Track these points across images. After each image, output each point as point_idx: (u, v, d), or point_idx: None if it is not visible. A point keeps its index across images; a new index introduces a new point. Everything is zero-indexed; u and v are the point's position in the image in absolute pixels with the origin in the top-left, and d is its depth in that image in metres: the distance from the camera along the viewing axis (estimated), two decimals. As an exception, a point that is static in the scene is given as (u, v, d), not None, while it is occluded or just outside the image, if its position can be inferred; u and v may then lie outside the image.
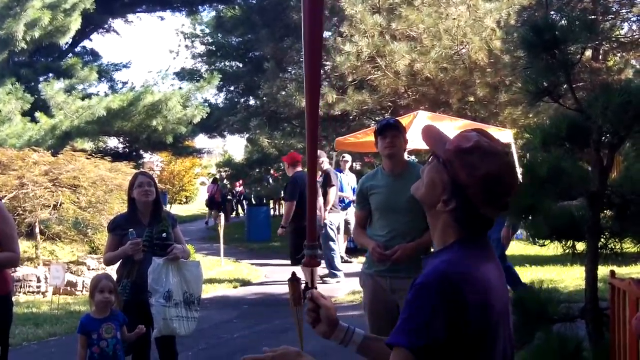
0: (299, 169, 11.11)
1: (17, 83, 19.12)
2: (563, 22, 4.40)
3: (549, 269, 12.26)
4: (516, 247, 15.54)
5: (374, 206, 5.50)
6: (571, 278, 11.03)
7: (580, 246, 4.29)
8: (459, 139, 2.16)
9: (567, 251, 4.27)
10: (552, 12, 17.87)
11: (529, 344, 4.03)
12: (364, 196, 5.58)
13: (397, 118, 6.89)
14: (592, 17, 16.73)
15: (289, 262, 11.83)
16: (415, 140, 13.64)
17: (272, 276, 13.93)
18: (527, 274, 11.97)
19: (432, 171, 2.18)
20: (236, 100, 27.81)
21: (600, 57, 18.87)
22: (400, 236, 5.18)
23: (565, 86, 4.33)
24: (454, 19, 17.82)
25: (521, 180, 4.48)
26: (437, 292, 1.95)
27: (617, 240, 4.24)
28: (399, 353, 1.96)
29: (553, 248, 4.37)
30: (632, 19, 21.30)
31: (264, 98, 22.57)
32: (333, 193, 12.99)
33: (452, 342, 1.94)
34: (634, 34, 21.39)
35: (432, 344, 1.91)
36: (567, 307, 4.15)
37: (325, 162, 13.40)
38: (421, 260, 4.95)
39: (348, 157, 15.52)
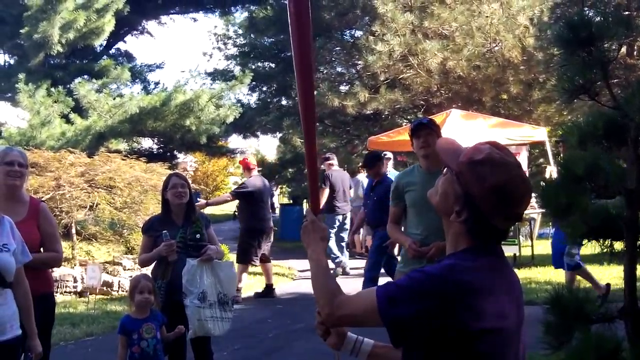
0: (255, 173, 11.69)
1: (58, 87, 19.34)
2: (598, 18, 4.35)
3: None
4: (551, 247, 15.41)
5: (409, 203, 5.57)
6: (608, 278, 10.89)
7: (618, 245, 4.24)
8: (472, 151, 2.26)
9: (604, 250, 4.21)
10: (585, 9, 17.69)
11: (566, 344, 3.99)
12: (400, 193, 5.66)
13: (430, 117, 6.97)
14: (627, 12, 16.53)
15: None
16: (448, 138, 13.60)
17: (306, 275, 13.93)
18: (563, 273, 11.86)
19: (446, 183, 2.33)
20: (269, 100, 27.86)
21: (635, 53, 18.62)
22: (434, 234, 5.17)
23: (600, 83, 4.28)
24: (487, 16, 17.73)
25: (557, 178, 4.45)
26: (430, 290, 2.11)
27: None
28: (372, 303, 2.17)
29: (590, 247, 4.32)
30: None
31: (296, 98, 22.56)
32: (322, 195, 13.23)
33: (431, 337, 2.12)
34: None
35: (395, 319, 2.12)
36: (606, 306, 4.10)
37: (335, 165, 14.00)
38: None
39: (390, 155, 14.69)
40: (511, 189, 2.17)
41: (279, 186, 30.90)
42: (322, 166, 14.04)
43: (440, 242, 5.06)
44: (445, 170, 2.35)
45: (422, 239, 5.33)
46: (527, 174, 17.22)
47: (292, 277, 14.06)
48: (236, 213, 29.40)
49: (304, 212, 13.22)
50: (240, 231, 11.67)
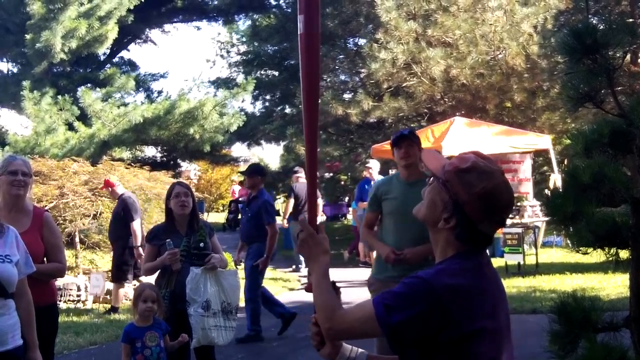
0: (121, 190, 11.23)
1: (63, 95, 19.40)
2: (603, 26, 4.34)
3: (590, 276, 12.08)
4: (555, 255, 15.38)
5: (386, 211, 5.73)
6: (613, 286, 10.86)
7: (624, 253, 4.22)
8: (458, 160, 2.36)
9: (610, 259, 4.20)
10: (589, 16, 17.69)
11: (572, 354, 3.97)
12: (377, 200, 5.80)
13: (412, 128, 7.10)
14: (631, 20, 16.52)
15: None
16: (452, 147, 13.62)
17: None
18: (567, 282, 11.84)
19: (433, 192, 2.39)
20: (272, 108, 27.90)
21: (639, 60, 18.60)
22: (410, 243, 5.39)
23: (604, 91, 4.27)
24: (491, 24, 17.73)
25: (561, 187, 4.44)
26: (424, 295, 2.18)
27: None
28: (370, 313, 2.23)
29: (595, 255, 4.31)
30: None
31: (300, 106, 22.59)
32: (288, 205, 15.37)
33: (428, 340, 2.19)
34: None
35: (394, 326, 2.18)
36: (611, 315, 4.08)
37: (302, 178, 15.09)
38: (428, 266, 5.37)
39: (372, 164, 14.87)
40: (497, 195, 2.28)
41: (283, 195, 30.84)
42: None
43: (414, 248, 5.31)
44: (431, 179, 2.42)
45: (397, 248, 5.48)
46: (531, 182, 17.14)
47: (296, 286, 14.00)
48: (225, 224, 29.08)
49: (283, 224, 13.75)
50: (116, 250, 11.11)
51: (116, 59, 25.86)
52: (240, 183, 31.51)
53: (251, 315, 9.13)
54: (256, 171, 9.34)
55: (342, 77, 23.93)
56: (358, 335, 2.44)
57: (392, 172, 14.67)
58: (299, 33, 2.61)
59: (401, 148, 5.54)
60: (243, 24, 31.51)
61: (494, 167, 2.33)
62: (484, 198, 2.25)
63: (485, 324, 2.21)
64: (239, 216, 29.29)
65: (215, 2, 27.86)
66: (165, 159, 24.76)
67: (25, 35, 18.77)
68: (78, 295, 12.11)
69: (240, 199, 29.73)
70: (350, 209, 19.06)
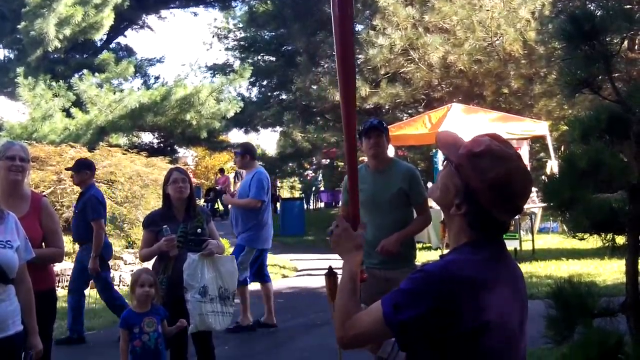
0: None
1: (59, 81, 19.35)
2: (601, 12, 4.34)
3: (586, 262, 12.12)
4: (552, 241, 15.41)
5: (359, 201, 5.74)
6: (609, 272, 10.90)
7: (620, 239, 4.23)
8: (471, 143, 2.23)
9: (606, 245, 4.20)
10: (587, 2, 17.64)
11: (569, 339, 3.98)
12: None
13: (380, 119, 7.03)
14: (628, 6, 16.49)
15: (323, 255, 12.02)
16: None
17: (307, 270, 13.92)
18: (564, 268, 11.87)
19: (446, 176, 2.26)
20: (269, 94, 27.87)
21: (637, 47, 18.57)
22: (386, 229, 5.51)
23: (601, 77, 4.27)
24: (488, 10, 17.70)
25: (557, 173, 4.45)
26: (432, 290, 2.09)
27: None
28: (379, 314, 2.15)
29: (592, 241, 4.31)
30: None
31: (297, 92, 22.62)
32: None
33: (437, 335, 2.09)
34: (672, 23, 20.95)
35: (402, 324, 2.09)
36: (608, 301, 4.09)
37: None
38: (409, 252, 5.72)
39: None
40: (511, 182, 2.15)
41: (279, 180, 30.82)
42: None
43: (388, 238, 5.46)
44: (445, 163, 2.31)
45: (373, 234, 5.53)
46: (528, 168, 17.30)
47: (292, 273, 14.02)
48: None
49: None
50: None
51: (113, 45, 25.78)
52: (221, 171, 31.50)
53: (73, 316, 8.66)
54: (84, 166, 8.74)
55: (340, 63, 23.88)
56: (370, 340, 2.37)
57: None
58: (332, 16, 2.58)
59: (370, 138, 5.66)
60: (240, 10, 31.45)
61: (509, 152, 2.19)
62: (497, 185, 2.12)
63: (492, 317, 2.09)
64: (216, 205, 29.17)
65: (212, -12, 27.83)
66: (162, 145, 24.74)
67: (21, 22, 18.73)
68: (75, 281, 12.11)
69: (218, 187, 29.61)
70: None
